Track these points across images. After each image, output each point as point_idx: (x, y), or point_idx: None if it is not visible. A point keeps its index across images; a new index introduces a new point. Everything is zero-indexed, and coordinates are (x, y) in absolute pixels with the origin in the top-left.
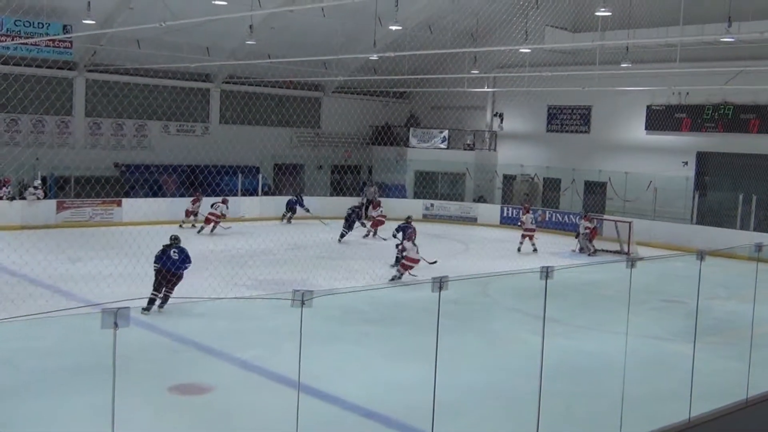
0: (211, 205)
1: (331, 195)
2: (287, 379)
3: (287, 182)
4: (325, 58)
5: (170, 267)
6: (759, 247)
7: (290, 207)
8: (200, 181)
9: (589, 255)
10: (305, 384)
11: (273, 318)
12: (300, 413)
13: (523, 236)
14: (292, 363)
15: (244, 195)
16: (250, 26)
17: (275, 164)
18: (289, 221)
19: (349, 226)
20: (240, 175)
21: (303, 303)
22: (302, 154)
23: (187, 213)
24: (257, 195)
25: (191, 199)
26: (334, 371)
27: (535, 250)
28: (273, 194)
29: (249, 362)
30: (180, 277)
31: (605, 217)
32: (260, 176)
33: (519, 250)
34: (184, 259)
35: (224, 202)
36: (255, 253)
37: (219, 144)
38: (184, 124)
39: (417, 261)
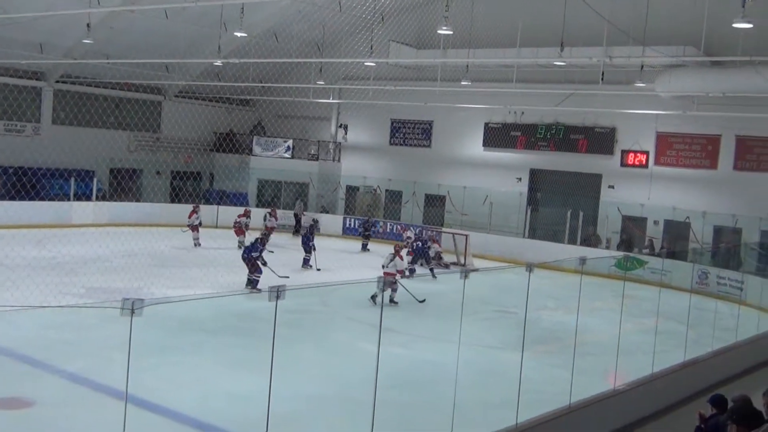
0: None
1: (171, 201)
2: (117, 392)
3: (124, 187)
4: (168, 61)
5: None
6: (583, 261)
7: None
8: (32, 183)
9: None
10: (137, 396)
11: (102, 328)
12: (131, 426)
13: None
14: (122, 375)
15: (77, 200)
16: (88, 24)
17: (111, 169)
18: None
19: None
20: (73, 179)
21: (133, 312)
22: (140, 159)
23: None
24: (91, 200)
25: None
26: (168, 383)
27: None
28: (108, 199)
29: (76, 374)
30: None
31: (443, 229)
32: (95, 181)
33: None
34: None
35: (246, 214)
36: (86, 261)
37: (51, 146)
38: (13, 123)
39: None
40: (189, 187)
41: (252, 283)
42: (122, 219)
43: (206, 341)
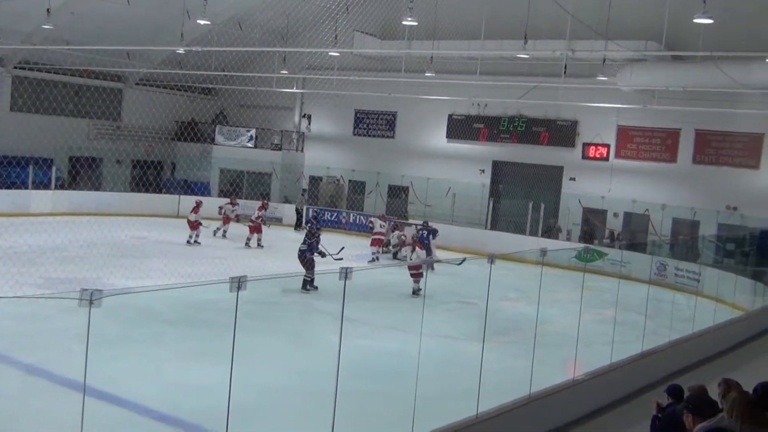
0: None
1: (132, 191)
2: (75, 383)
3: (84, 176)
4: (129, 48)
5: None
6: (544, 252)
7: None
8: None
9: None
10: (96, 388)
11: (60, 319)
12: (90, 418)
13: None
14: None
15: (35, 188)
16: (48, 9)
17: (71, 157)
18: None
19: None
20: (31, 168)
21: (91, 303)
22: (101, 147)
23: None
24: (50, 189)
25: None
26: (127, 374)
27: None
28: (67, 188)
29: (34, 366)
30: None
31: (407, 221)
32: (54, 169)
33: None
34: None
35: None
36: (45, 250)
37: (9, 133)
38: None
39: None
40: (150, 176)
41: (309, 283)
42: (81, 208)
43: (166, 332)
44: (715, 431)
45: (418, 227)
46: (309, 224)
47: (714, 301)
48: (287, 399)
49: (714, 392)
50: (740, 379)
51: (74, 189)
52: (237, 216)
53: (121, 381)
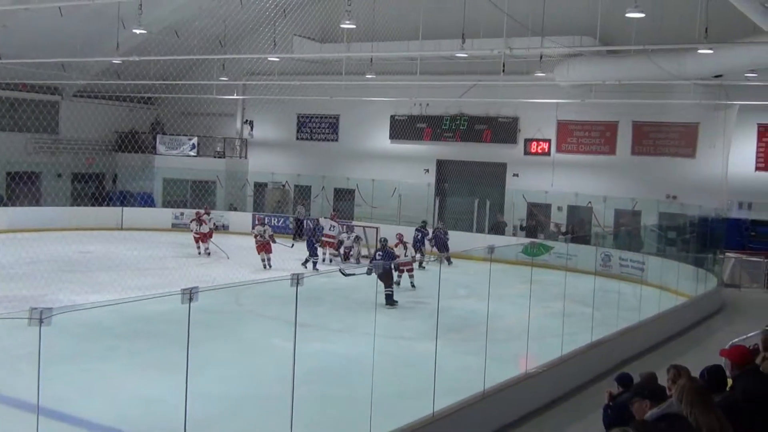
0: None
1: (73, 205)
2: (25, 404)
3: (22, 192)
4: (64, 60)
5: None
6: (491, 249)
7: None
8: None
9: (343, 261)
10: (47, 407)
11: (8, 338)
12: None
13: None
14: (30, 385)
15: None
16: None
17: (8, 173)
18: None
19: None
20: None
21: (41, 321)
22: (39, 162)
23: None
24: None
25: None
26: (80, 391)
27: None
28: (6, 205)
29: None
30: None
31: (354, 223)
32: None
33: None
34: None
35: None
36: None
37: None
38: None
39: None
40: (91, 189)
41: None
42: (22, 224)
43: (116, 346)
44: (666, 417)
45: (417, 227)
46: (383, 240)
47: (658, 289)
48: (243, 407)
49: (664, 379)
50: (687, 364)
51: (13, 205)
52: (215, 225)
53: (72, 398)
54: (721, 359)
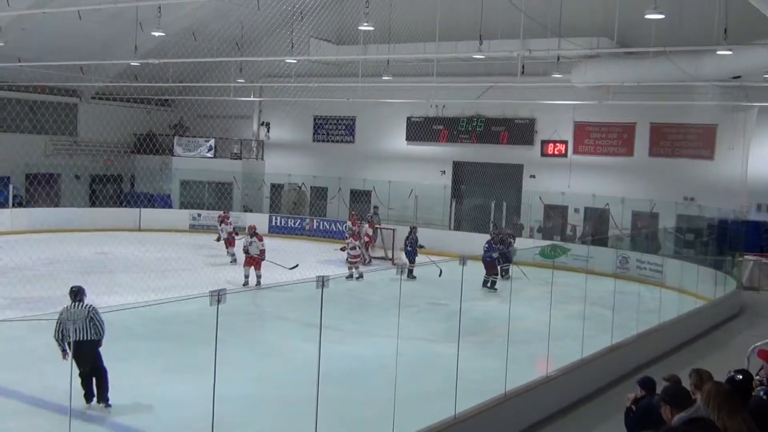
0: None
1: (91, 206)
2: (48, 403)
3: (41, 193)
4: (82, 62)
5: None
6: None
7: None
8: None
9: (365, 263)
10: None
11: (29, 339)
12: None
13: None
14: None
15: None
16: None
17: (27, 174)
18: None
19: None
20: None
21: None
22: (58, 163)
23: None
24: (8, 207)
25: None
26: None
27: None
28: (25, 206)
29: (4, 387)
30: None
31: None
32: (10, 187)
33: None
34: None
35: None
36: (7, 270)
37: None
38: None
39: None
40: (109, 191)
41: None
42: (42, 225)
43: (137, 347)
44: (693, 421)
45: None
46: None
47: (677, 291)
48: (264, 409)
49: (687, 382)
50: (708, 367)
51: (33, 206)
52: (235, 231)
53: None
54: (742, 363)
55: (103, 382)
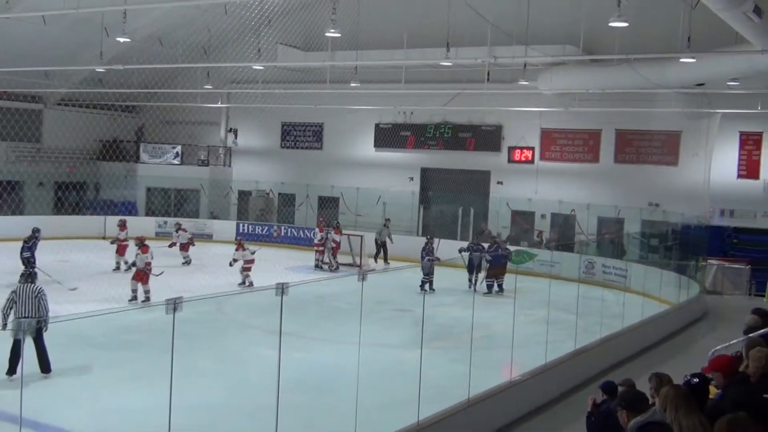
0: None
1: (55, 213)
2: (7, 415)
3: (4, 201)
4: (47, 68)
5: None
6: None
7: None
8: None
9: (332, 270)
10: (29, 419)
11: None
12: None
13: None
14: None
15: None
16: None
17: None
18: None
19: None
20: None
21: (24, 333)
22: (21, 171)
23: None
24: None
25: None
26: (61, 402)
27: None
28: None
29: None
30: None
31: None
32: None
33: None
34: None
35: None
36: None
37: None
38: None
39: None
40: (73, 198)
41: None
42: (3, 234)
43: (98, 357)
44: (648, 425)
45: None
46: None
47: (641, 296)
48: (227, 417)
49: (645, 386)
50: (671, 370)
51: None
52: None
53: (53, 410)
54: (704, 366)
55: (44, 356)
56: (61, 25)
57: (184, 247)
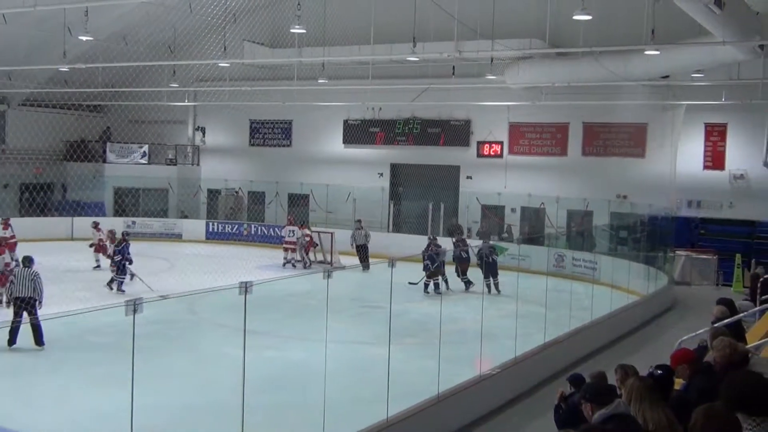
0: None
1: (21, 215)
2: None
3: None
4: (9, 68)
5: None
6: (444, 253)
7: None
8: None
9: (305, 267)
10: None
11: None
12: None
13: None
14: None
15: None
16: None
17: None
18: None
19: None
20: None
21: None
22: None
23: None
24: None
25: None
26: (27, 406)
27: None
28: None
29: None
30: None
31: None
32: None
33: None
34: None
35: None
36: None
37: None
38: None
39: None
40: (40, 200)
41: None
42: None
43: (65, 359)
44: (612, 418)
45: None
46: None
47: (610, 288)
48: (196, 417)
49: (613, 378)
50: (639, 361)
51: None
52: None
53: (19, 414)
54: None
55: (38, 332)
56: (23, 23)
57: (97, 249)
